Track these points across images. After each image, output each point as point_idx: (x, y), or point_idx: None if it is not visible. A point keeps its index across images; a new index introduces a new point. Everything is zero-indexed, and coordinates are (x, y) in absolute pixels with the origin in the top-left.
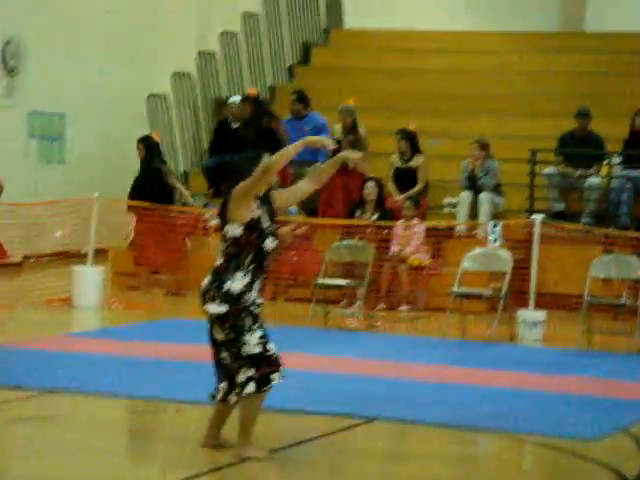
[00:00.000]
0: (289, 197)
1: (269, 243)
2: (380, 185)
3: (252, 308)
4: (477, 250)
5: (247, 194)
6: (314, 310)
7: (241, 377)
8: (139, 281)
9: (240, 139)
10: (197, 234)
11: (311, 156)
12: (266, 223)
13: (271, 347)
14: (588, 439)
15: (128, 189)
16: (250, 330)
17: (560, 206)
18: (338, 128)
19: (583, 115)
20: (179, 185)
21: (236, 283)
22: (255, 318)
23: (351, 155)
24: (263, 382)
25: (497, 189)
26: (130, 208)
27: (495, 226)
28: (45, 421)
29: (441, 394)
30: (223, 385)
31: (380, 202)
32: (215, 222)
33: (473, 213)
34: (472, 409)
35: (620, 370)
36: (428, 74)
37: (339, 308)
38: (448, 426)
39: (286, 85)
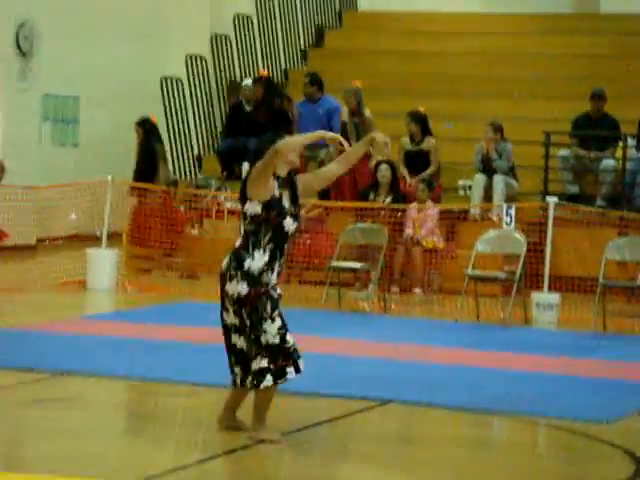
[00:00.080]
0: (315, 180)
1: (289, 224)
2: (394, 168)
3: (272, 292)
4: (491, 233)
5: (260, 174)
6: (328, 293)
7: (255, 365)
8: (152, 264)
9: (253, 122)
10: (211, 217)
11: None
12: (287, 203)
13: (289, 339)
14: (602, 421)
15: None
16: (271, 318)
17: (575, 189)
18: (346, 111)
19: (598, 97)
20: (162, 167)
21: (256, 261)
22: (275, 304)
23: (378, 137)
24: (279, 375)
25: (511, 172)
26: (133, 190)
27: (509, 209)
28: (59, 403)
29: (455, 377)
30: (237, 370)
31: (394, 185)
32: (230, 205)
33: (487, 196)
34: (486, 392)
35: (634, 352)
36: (442, 56)
37: (353, 291)
38: (462, 409)
39: (300, 68)
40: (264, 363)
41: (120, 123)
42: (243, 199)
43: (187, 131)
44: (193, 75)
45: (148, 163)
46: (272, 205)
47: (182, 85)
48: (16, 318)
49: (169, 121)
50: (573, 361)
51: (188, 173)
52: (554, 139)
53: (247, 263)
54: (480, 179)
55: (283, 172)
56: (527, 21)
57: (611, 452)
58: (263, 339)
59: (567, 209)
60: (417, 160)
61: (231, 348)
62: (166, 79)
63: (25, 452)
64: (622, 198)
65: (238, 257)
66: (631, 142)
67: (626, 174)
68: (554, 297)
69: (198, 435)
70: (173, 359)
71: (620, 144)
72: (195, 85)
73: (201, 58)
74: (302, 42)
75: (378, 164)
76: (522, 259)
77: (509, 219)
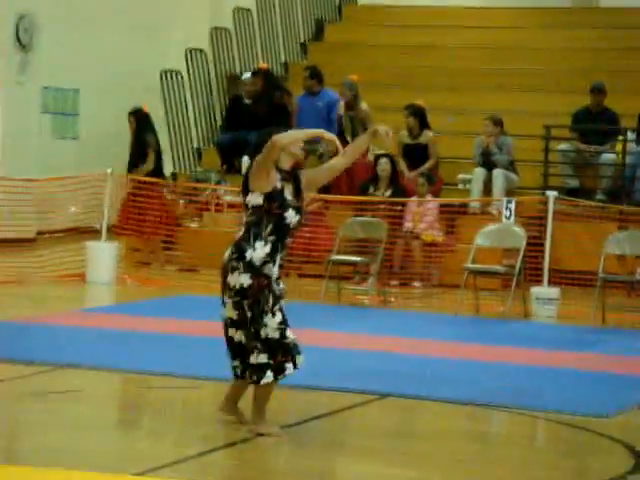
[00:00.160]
0: (320, 174)
1: (291, 216)
2: (393, 161)
3: (274, 286)
4: (491, 227)
5: (260, 167)
6: (327, 286)
7: (254, 359)
8: (151, 257)
9: (253, 115)
10: (211, 210)
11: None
12: (289, 196)
13: (289, 335)
14: (602, 416)
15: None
16: (272, 312)
17: (574, 182)
18: (342, 105)
19: (598, 91)
20: (150, 157)
21: (257, 252)
22: (277, 298)
23: (380, 129)
24: (278, 371)
25: (511, 165)
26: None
27: (509, 202)
28: (58, 396)
29: (454, 370)
30: (236, 363)
31: (393, 179)
32: (229, 198)
33: (487, 189)
34: (485, 386)
35: (634, 347)
36: (442, 50)
37: (352, 285)
38: (461, 402)
39: (299, 61)
40: (263, 358)
41: (120, 116)
42: (245, 191)
43: (187, 124)
44: (193, 68)
45: (140, 153)
46: (274, 197)
47: (182, 78)
48: (16, 311)
49: (169, 114)
50: (573, 355)
51: (187, 166)
52: (554, 133)
53: (249, 254)
54: (480, 173)
55: (287, 165)
56: (527, 15)
57: (611, 446)
58: (263, 333)
59: (567, 203)
60: (415, 153)
61: (229, 341)
62: (166, 72)
63: (25, 445)
64: (622, 192)
65: (239, 248)
66: (631, 136)
67: (626, 168)
68: (554, 291)
69: (198, 428)
70: (173, 352)
71: (620, 138)
72: (195, 78)
73: (201, 51)
74: (302, 35)
75: (378, 158)
76: (522, 253)
77: (509, 213)
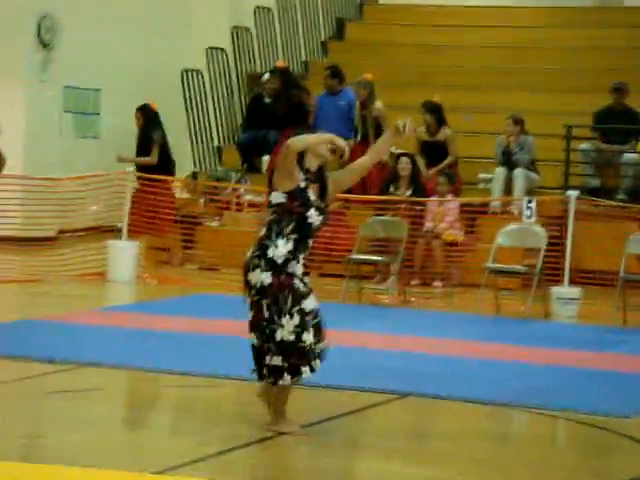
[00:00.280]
0: (347, 175)
1: (313, 215)
2: (414, 161)
3: (296, 283)
4: (511, 226)
5: (281, 168)
6: (348, 286)
7: (269, 360)
8: (170, 256)
9: (273, 114)
10: (231, 209)
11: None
12: (313, 196)
13: (306, 338)
14: (622, 415)
15: None
16: (289, 314)
17: (595, 182)
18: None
19: (619, 90)
20: (153, 153)
21: (279, 249)
22: (297, 299)
23: (398, 123)
24: (294, 373)
25: (532, 165)
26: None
27: (530, 202)
28: (79, 394)
29: (475, 370)
30: (256, 367)
31: (414, 178)
32: (249, 197)
33: (508, 189)
34: (506, 386)
35: None
36: (462, 49)
37: (373, 284)
38: (482, 402)
39: (320, 60)
40: (278, 361)
41: None
42: (270, 190)
43: (207, 123)
44: (213, 67)
45: (145, 148)
46: (296, 195)
47: (202, 77)
48: (37, 309)
49: (189, 113)
50: (593, 355)
51: (208, 165)
52: (575, 132)
53: (270, 251)
54: (501, 172)
55: (313, 166)
56: (547, 13)
57: (631, 446)
58: (278, 334)
59: (588, 203)
60: (433, 151)
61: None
62: (186, 71)
63: (45, 443)
64: None
65: (261, 246)
66: None
67: None
68: (574, 291)
69: (218, 427)
70: (193, 351)
71: None
72: (215, 77)
73: (222, 50)
74: (322, 34)
75: (398, 157)
76: (542, 253)
77: (529, 212)
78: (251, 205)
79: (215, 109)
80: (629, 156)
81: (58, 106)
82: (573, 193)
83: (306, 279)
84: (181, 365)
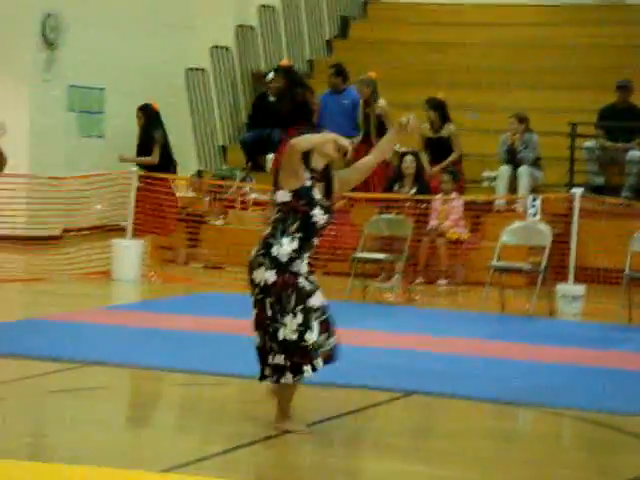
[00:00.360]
0: (353, 174)
1: (318, 214)
2: (418, 159)
3: (301, 281)
4: (516, 224)
5: (286, 167)
6: (352, 284)
7: (271, 359)
8: (175, 254)
9: (277, 113)
10: (236, 207)
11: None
12: (318, 195)
13: (309, 337)
14: (627, 413)
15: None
16: (293, 313)
17: (600, 180)
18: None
19: (624, 88)
20: (155, 153)
21: (284, 248)
22: (302, 298)
23: (401, 120)
24: (296, 372)
25: (536, 163)
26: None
27: (534, 200)
28: (84, 393)
29: (480, 368)
30: (260, 366)
31: (418, 176)
32: (254, 196)
33: (512, 187)
34: (511, 383)
35: None
36: (467, 47)
37: (377, 282)
38: (487, 400)
39: (324, 59)
40: (280, 360)
41: None
42: (275, 188)
43: (212, 122)
44: (218, 66)
45: (146, 147)
46: (301, 194)
47: (207, 76)
48: (42, 308)
49: (194, 112)
50: (598, 353)
51: (213, 164)
52: (580, 130)
53: (275, 249)
54: (505, 170)
55: (320, 165)
56: (551, 11)
57: (636, 444)
58: (281, 333)
59: (592, 200)
60: (438, 147)
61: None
62: (191, 70)
63: (51, 442)
64: None
65: (266, 244)
66: None
67: None
68: (579, 289)
69: (223, 425)
70: (198, 350)
71: None
72: (220, 76)
73: (226, 49)
74: (327, 33)
75: (403, 155)
76: (547, 250)
77: (534, 210)
78: (256, 203)
79: (220, 108)
80: (634, 154)
81: (62, 105)
82: (578, 191)
83: (312, 278)
84: (186, 364)
